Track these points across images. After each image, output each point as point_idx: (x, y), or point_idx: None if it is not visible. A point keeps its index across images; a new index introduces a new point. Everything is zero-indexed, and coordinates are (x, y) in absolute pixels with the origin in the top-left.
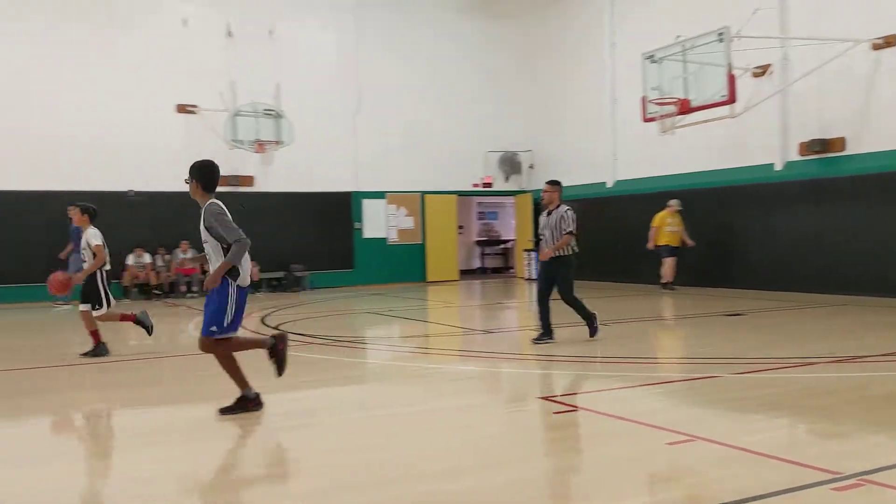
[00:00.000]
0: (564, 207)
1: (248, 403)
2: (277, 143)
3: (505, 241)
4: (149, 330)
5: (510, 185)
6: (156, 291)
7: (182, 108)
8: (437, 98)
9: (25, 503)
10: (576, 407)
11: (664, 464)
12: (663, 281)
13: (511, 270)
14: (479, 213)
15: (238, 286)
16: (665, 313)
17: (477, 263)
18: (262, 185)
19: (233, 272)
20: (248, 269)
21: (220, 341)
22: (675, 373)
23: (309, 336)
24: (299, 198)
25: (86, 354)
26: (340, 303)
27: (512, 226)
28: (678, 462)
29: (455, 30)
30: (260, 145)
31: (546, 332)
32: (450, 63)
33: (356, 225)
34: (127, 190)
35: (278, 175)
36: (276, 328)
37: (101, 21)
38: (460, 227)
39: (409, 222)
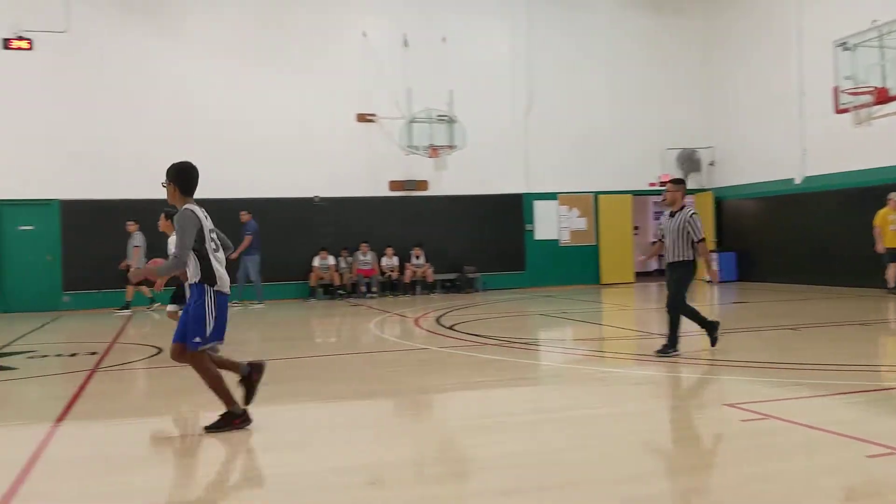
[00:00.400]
0: (689, 210)
1: (234, 420)
2: (451, 147)
3: None
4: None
5: (689, 184)
6: (340, 292)
7: (362, 117)
8: (610, 95)
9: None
10: (765, 415)
11: (864, 477)
12: (890, 286)
13: None
14: (657, 212)
15: (218, 291)
16: (863, 318)
17: (654, 265)
18: (436, 188)
19: (210, 278)
20: (224, 273)
21: (200, 353)
22: (873, 381)
23: (483, 337)
24: (472, 200)
25: None
26: (512, 304)
27: None
28: (879, 476)
29: (628, 25)
30: (434, 150)
31: (709, 330)
32: (623, 59)
33: (528, 227)
34: (313, 196)
35: (451, 178)
36: (450, 328)
37: (291, 38)
38: (636, 228)
39: (581, 223)
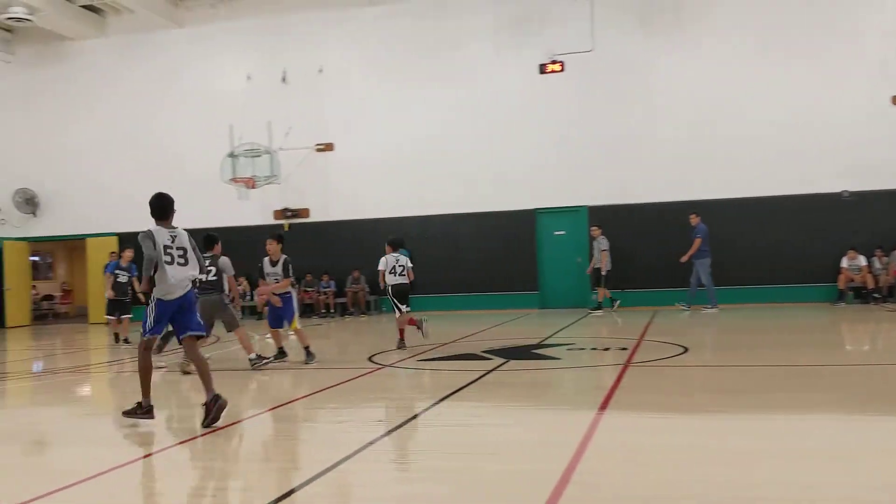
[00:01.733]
0: None
1: (140, 411)
2: None
3: None
4: (422, 333)
5: None
6: (874, 295)
7: None
8: None
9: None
10: None
11: None
12: None
13: None
14: None
15: (159, 299)
16: None
17: None
18: None
19: (154, 287)
20: (170, 285)
21: (147, 347)
22: None
23: None
24: None
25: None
26: None
27: None
28: None
29: None
30: None
31: None
32: None
33: None
34: (841, 191)
35: None
36: None
37: (804, 25)
38: None
39: None
